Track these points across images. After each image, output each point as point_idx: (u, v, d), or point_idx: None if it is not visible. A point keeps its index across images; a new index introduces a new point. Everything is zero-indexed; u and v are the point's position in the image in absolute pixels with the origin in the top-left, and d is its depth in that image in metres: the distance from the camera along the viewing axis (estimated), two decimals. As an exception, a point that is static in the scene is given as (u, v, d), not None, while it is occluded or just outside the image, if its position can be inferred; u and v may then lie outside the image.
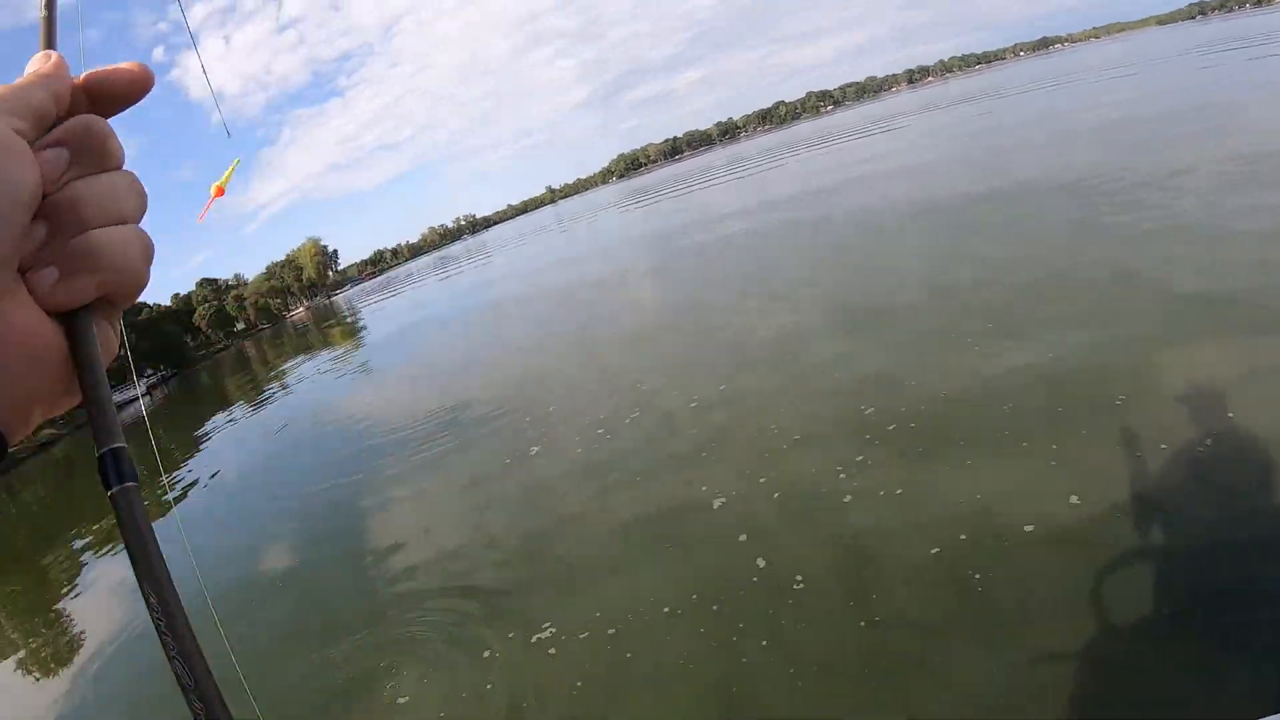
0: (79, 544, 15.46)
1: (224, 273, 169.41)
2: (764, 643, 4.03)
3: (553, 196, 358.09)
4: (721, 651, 4.11)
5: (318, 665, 5.78)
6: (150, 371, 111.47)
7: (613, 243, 32.05)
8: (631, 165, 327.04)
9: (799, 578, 4.49)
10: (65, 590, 11.62)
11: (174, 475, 18.59)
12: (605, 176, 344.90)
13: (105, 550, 13.19)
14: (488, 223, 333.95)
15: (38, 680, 8.34)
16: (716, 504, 5.66)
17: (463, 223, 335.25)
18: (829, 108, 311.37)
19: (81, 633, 9.25)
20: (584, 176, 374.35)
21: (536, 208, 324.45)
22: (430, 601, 6.06)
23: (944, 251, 11.53)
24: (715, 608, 4.50)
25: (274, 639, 6.64)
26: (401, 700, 4.92)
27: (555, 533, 6.36)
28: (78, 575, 12.28)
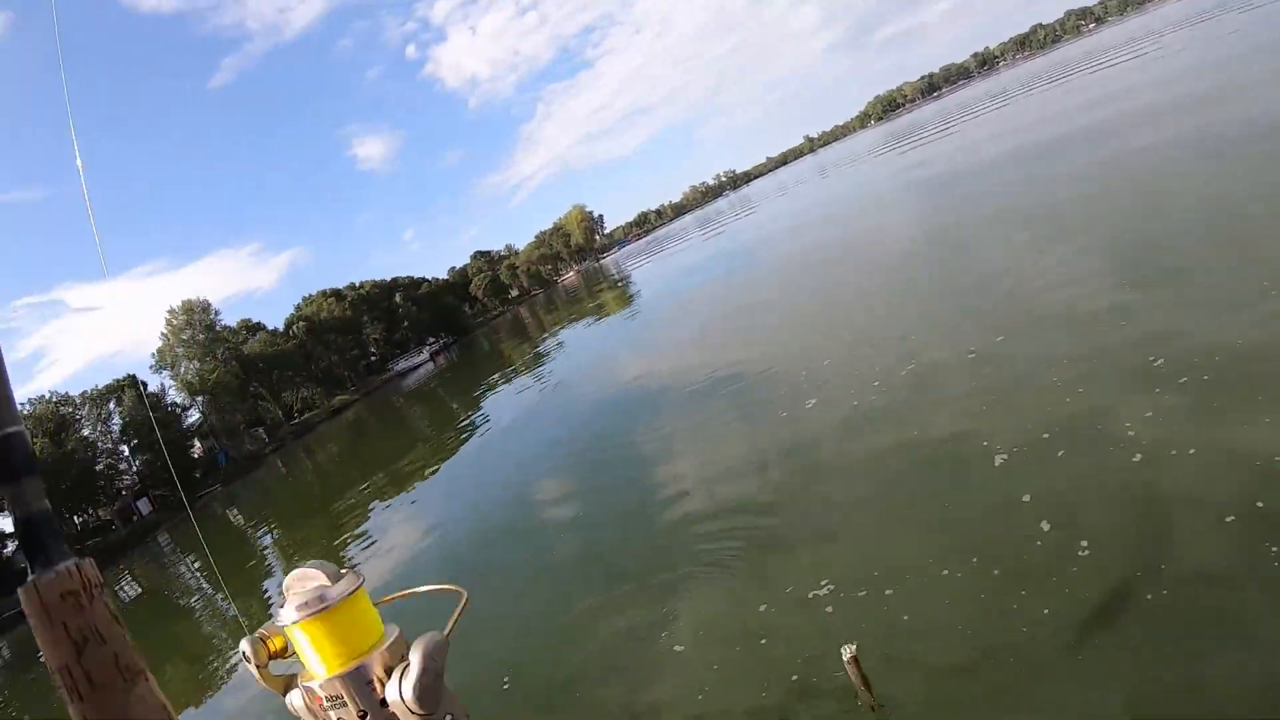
0: (363, 491, 20.50)
1: (495, 245, 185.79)
2: (1045, 611, 4.02)
3: (811, 146, 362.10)
4: (1001, 619, 4.11)
5: (598, 608, 6.42)
6: (432, 340, 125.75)
7: (876, 189, 31.25)
8: (889, 106, 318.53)
9: (1084, 543, 4.41)
10: (351, 533, 15.70)
11: (459, 424, 23.14)
12: (863, 121, 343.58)
13: (389, 498, 17.45)
14: (748, 177, 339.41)
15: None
16: (997, 461, 5.57)
17: (723, 179, 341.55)
18: (1090, 26, 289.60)
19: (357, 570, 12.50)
20: (841, 123, 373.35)
21: (796, 158, 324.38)
22: (704, 552, 6.42)
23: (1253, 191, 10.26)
24: (996, 572, 4.48)
25: (563, 580, 7.62)
26: (678, 649, 5.25)
27: (832, 488, 6.48)
28: (364, 520, 16.48)
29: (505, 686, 6.01)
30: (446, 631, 1.27)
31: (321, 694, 1.23)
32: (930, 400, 7.29)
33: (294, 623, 1.24)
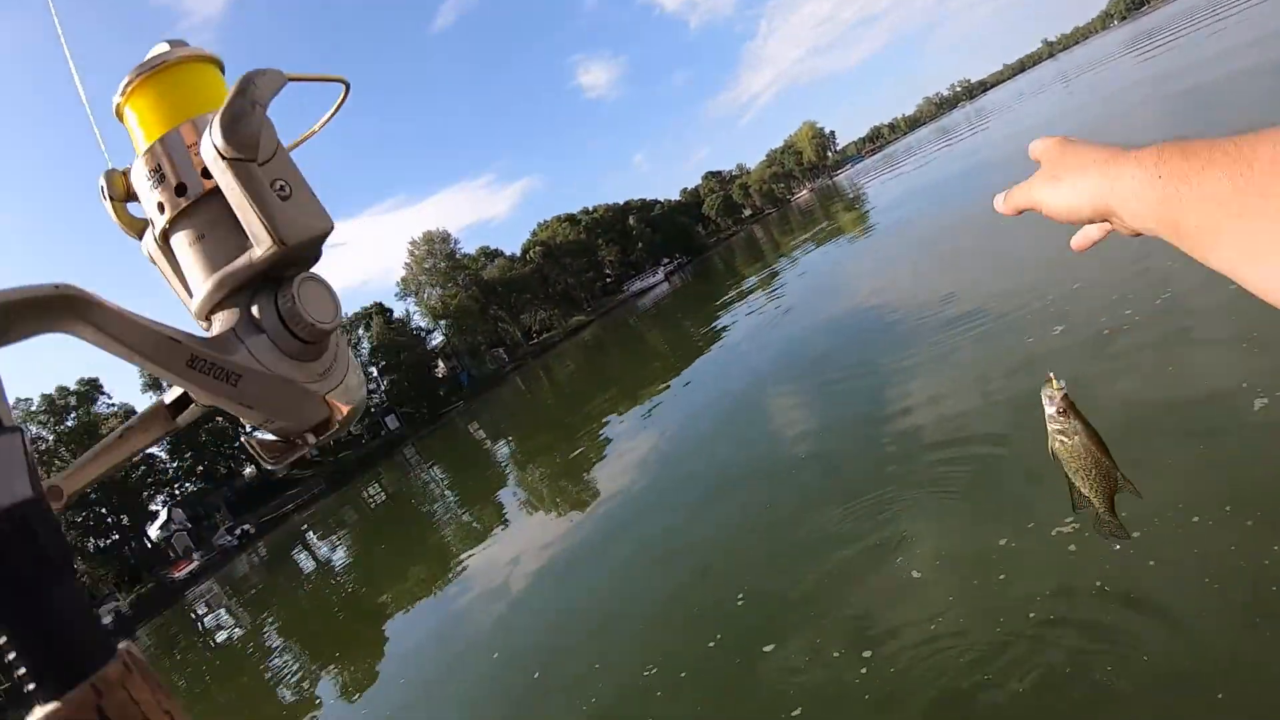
0: (599, 406, 21.33)
1: (726, 165, 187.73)
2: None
3: (1050, 50, 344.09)
4: (1254, 570, 3.92)
5: (833, 528, 6.44)
6: (667, 260, 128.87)
7: (1125, 98, 26.95)
8: (1134, 4, 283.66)
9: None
10: (588, 443, 16.58)
11: (693, 343, 23.22)
12: (1104, 21, 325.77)
13: (624, 412, 18.06)
14: (984, 86, 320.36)
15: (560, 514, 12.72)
16: (1256, 405, 5.18)
17: (958, 89, 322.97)
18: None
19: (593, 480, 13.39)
20: (1081, 24, 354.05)
21: (1034, 65, 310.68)
22: (943, 477, 6.34)
23: None
24: (1249, 523, 4.22)
25: (797, 496, 7.70)
26: (915, 575, 5.27)
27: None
28: (600, 430, 17.40)
29: (739, 602, 6.18)
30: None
31: (140, 174, 0.94)
32: (1185, 332, 6.79)
33: (123, 97, 0.96)
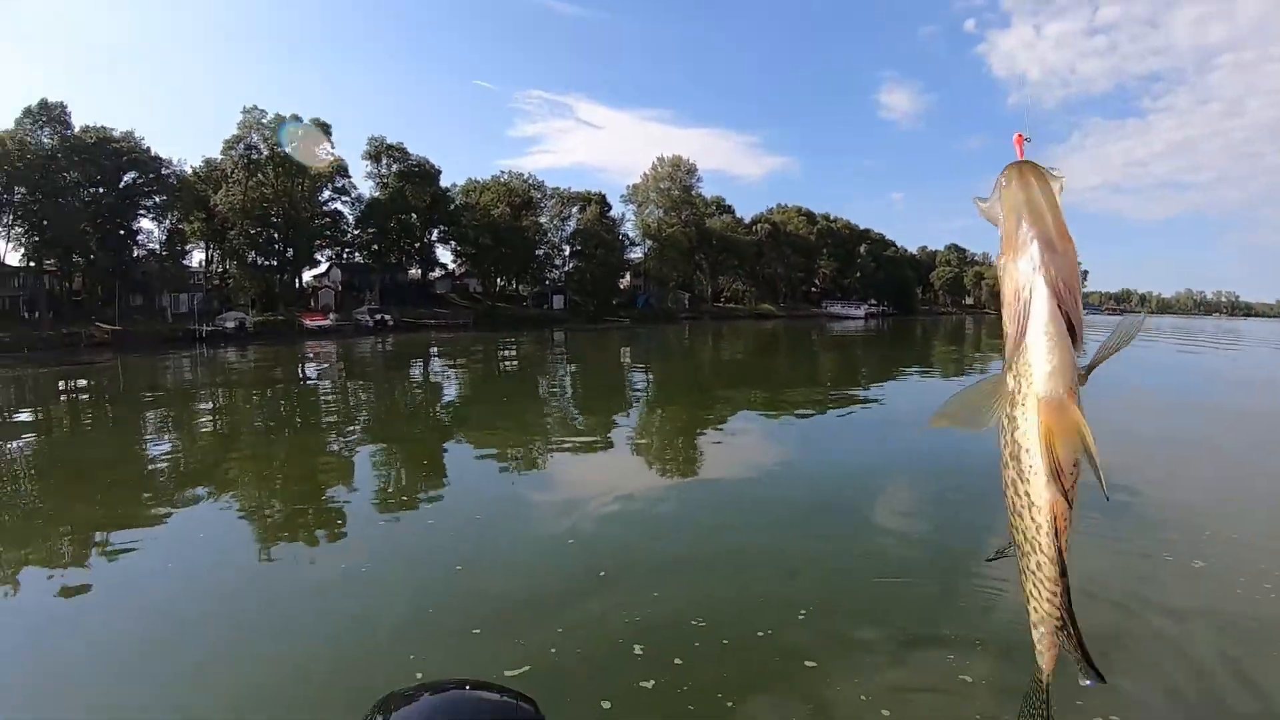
0: (730, 393, 18.23)
1: (973, 247, 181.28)
2: None
3: None
4: None
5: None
6: (874, 301, 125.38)
7: None
8: None
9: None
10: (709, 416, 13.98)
11: (853, 386, 20.35)
12: None
13: (757, 409, 16.14)
14: (1248, 310, 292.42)
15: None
16: None
17: (1223, 298, 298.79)
18: None
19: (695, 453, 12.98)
20: None
21: None
22: None
23: None
24: None
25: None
26: None
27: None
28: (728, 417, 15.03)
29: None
30: None
31: None
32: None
33: None
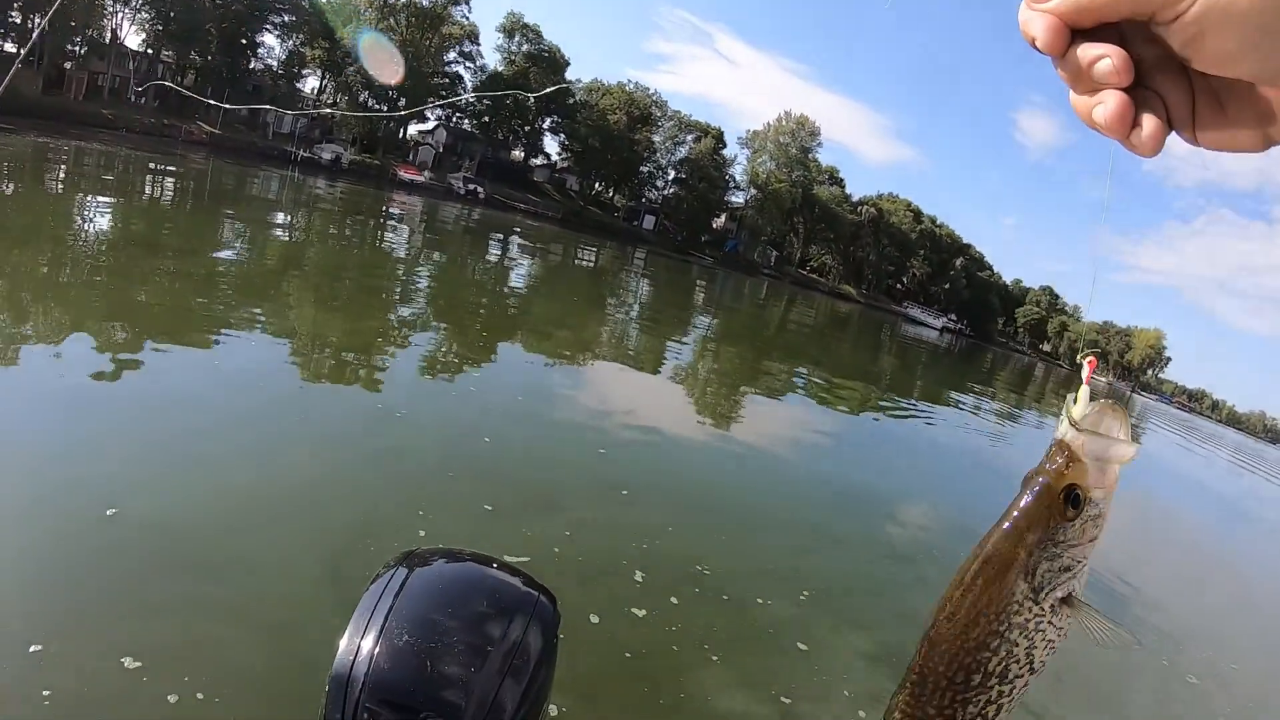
0: (791, 369, 18.27)
1: (1069, 296, 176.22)
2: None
3: None
4: None
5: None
6: (954, 318, 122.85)
7: None
8: None
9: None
10: (764, 379, 14.05)
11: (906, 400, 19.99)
12: None
13: (814, 389, 15.30)
14: None
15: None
16: None
17: None
18: None
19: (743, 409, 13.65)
20: None
21: None
22: None
23: None
24: None
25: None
26: None
27: None
28: (784, 385, 14.02)
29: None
30: None
31: None
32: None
33: None
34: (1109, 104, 0.57)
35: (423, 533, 4.84)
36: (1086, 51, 0.56)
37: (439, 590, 1.69)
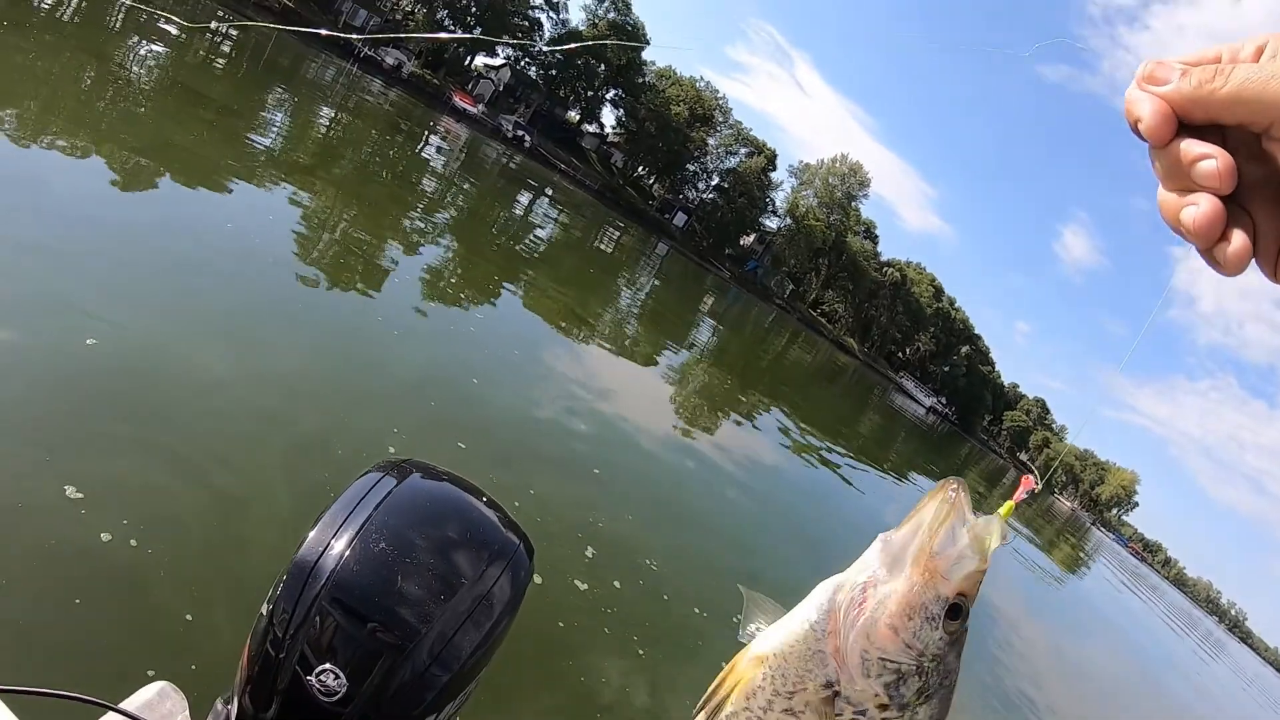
0: (786, 405, 18.10)
1: (1059, 414, 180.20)
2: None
3: None
4: None
5: None
6: (943, 401, 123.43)
7: None
8: None
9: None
10: (747, 402, 13.77)
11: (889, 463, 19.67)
12: None
13: (798, 428, 15.00)
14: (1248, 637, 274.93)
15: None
16: None
17: (1233, 611, 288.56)
18: None
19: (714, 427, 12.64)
20: None
21: None
22: None
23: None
24: None
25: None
26: None
27: None
28: (764, 414, 14.01)
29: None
30: None
31: None
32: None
33: None
34: (1202, 207, 0.53)
35: (392, 449, 4.78)
36: (1191, 148, 0.53)
37: (425, 509, 1.63)
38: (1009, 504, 0.72)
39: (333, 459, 4.46)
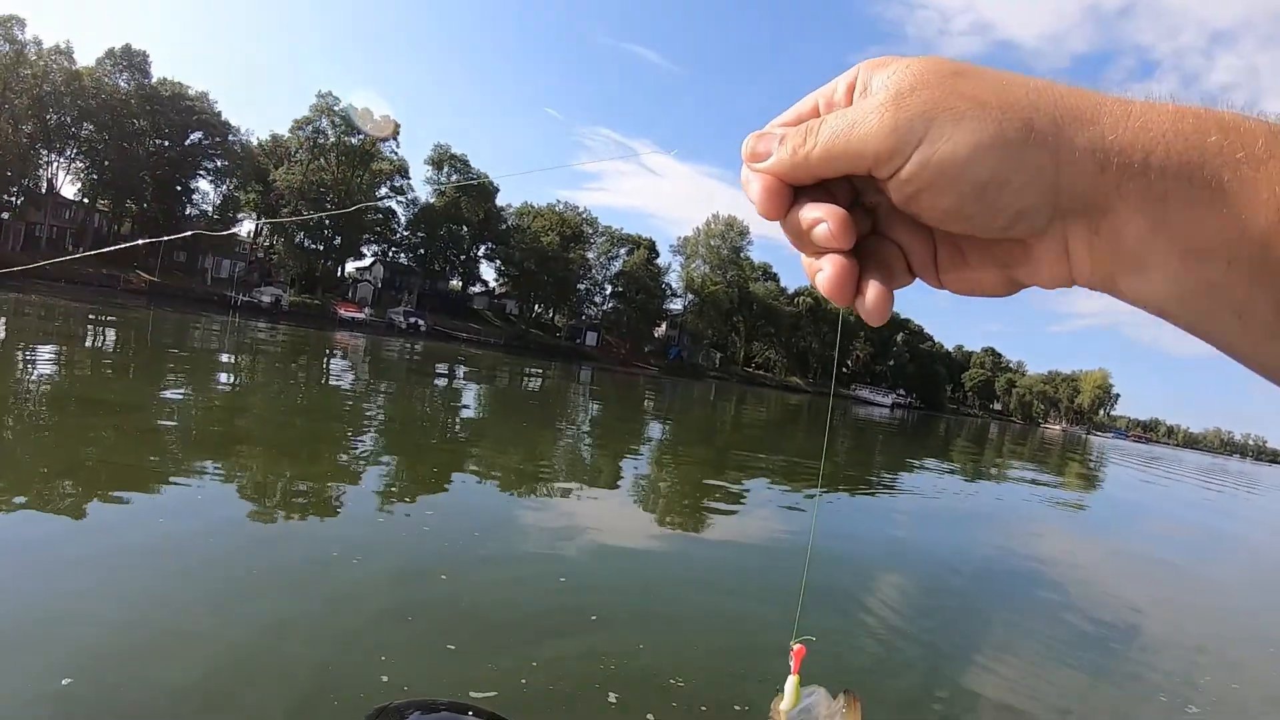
0: (753, 459, 18.08)
1: (1009, 352, 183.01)
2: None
3: None
4: None
5: None
6: (902, 393, 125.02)
7: None
8: None
9: None
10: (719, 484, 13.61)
11: (867, 474, 22.01)
12: None
13: (775, 482, 14.76)
14: (1275, 457, 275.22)
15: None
16: None
17: (1249, 442, 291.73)
18: None
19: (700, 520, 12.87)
20: None
21: None
22: None
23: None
24: None
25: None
26: None
27: None
28: (743, 489, 13.96)
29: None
30: None
31: None
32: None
33: None
34: (827, 271, 0.53)
35: (385, 678, 4.70)
36: (805, 215, 0.53)
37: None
38: (791, 680, 0.78)
39: (329, 711, 4.39)
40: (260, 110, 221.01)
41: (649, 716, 4.85)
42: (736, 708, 5.22)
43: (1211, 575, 15.27)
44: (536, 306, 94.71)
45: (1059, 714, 6.30)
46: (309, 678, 4.65)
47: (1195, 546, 18.97)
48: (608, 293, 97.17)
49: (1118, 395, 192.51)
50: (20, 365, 15.94)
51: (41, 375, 15.20)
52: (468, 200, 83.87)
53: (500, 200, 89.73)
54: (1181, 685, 7.29)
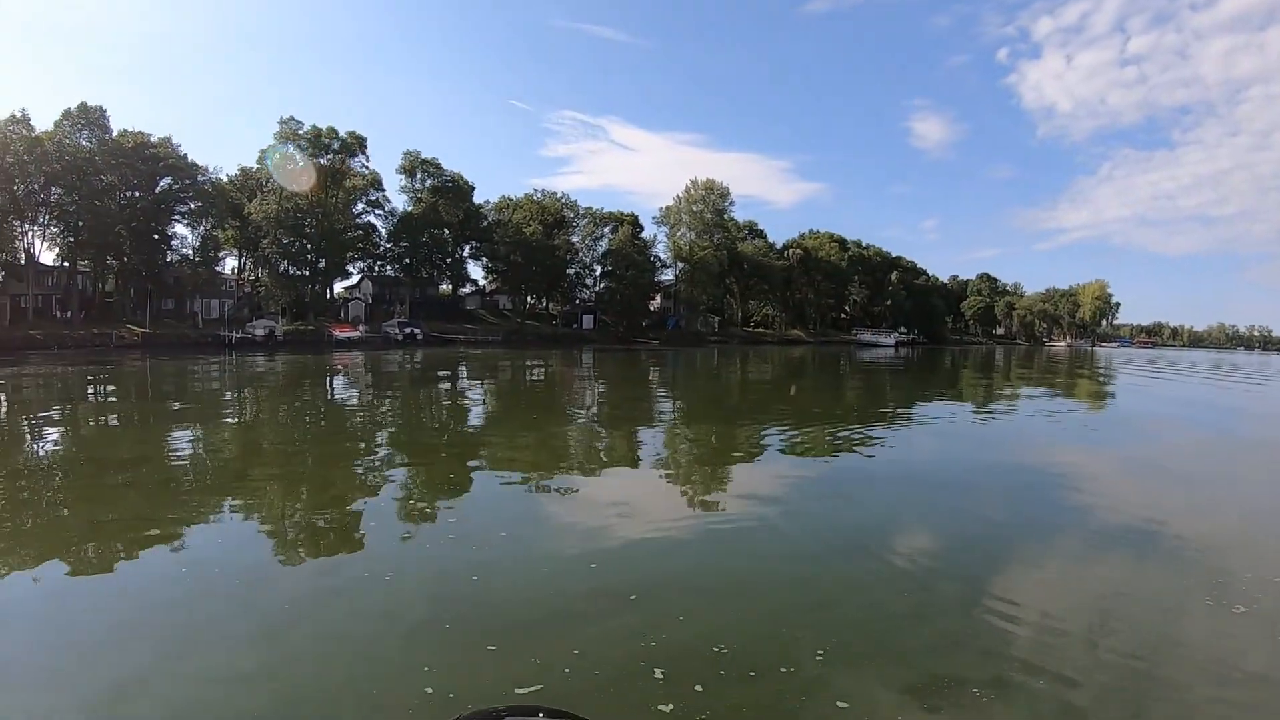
0: (755, 414, 18.45)
1: (1005, 276, 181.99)
2: None
3: None
4: None
5: None
6: (904, 331, 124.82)
7: None
8: None
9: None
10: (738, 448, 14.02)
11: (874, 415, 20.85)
12: None
13: (771, 425, 15.29)
14: None
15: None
16: None
17: (1255, 334, 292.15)
18: None
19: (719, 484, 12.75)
20: None
21: None
22: None
23: None
24: None
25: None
26: None
27: None
28: (759, 443, 14.23)
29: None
30: None
31: None
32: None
33: None
34: None
35: (429, 689, 4.72)
36: None
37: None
38: None
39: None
40: (220, 144, 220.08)
41: (697, 688, 4.86)
42: (783, 670, 5.23)
43: (1234, 473, 15.27)
44: (529, 298, 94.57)
45: (1101, 615, 6.30)
46: (356, 703, 4.67)
47: (1214, 447, 18.99)
48: (598, 274, 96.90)
49: (1118, 304, 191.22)
50: (28, 434, 15.95)
51: (50, 441, 15.21)
52: (445, 203, 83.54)
53: (477, 198, 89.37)
54: (1222, 588, 7.31)
